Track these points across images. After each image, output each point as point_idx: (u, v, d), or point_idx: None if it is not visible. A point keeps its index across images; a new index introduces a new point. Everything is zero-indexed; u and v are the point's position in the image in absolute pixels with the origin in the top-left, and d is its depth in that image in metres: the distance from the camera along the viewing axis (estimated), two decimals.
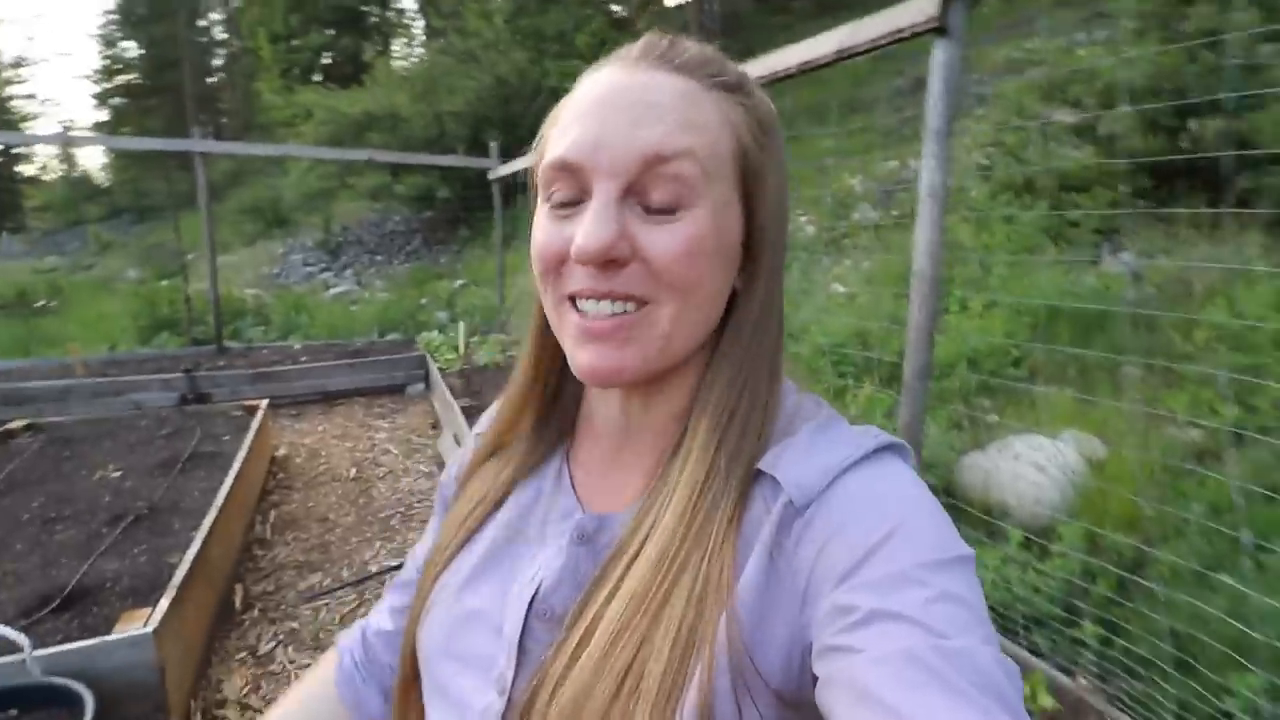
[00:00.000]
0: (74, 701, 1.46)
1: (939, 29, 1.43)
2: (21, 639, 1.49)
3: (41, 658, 1.51)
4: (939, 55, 1.46)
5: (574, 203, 0.42)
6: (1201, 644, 1.58)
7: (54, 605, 1.78)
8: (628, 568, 0.41)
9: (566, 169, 0.42)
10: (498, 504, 0.52)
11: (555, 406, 0.54)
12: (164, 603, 1.71)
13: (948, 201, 1.54)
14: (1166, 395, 2.80)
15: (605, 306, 0.42)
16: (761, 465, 0.43)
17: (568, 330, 0.44)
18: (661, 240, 0.40)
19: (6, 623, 1.59)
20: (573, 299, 0.43)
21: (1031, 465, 2.43)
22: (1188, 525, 1.93)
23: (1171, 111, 4.07)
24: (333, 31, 19.13)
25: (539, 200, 0.45)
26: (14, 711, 1.46)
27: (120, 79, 27.67)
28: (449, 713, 0.47)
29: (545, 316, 0.48)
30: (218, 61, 28.43)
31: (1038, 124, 4.64)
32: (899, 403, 1.66)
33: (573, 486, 0.50)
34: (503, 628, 0.46)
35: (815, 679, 0.35)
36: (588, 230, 0.40)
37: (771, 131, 0.46)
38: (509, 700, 0.43)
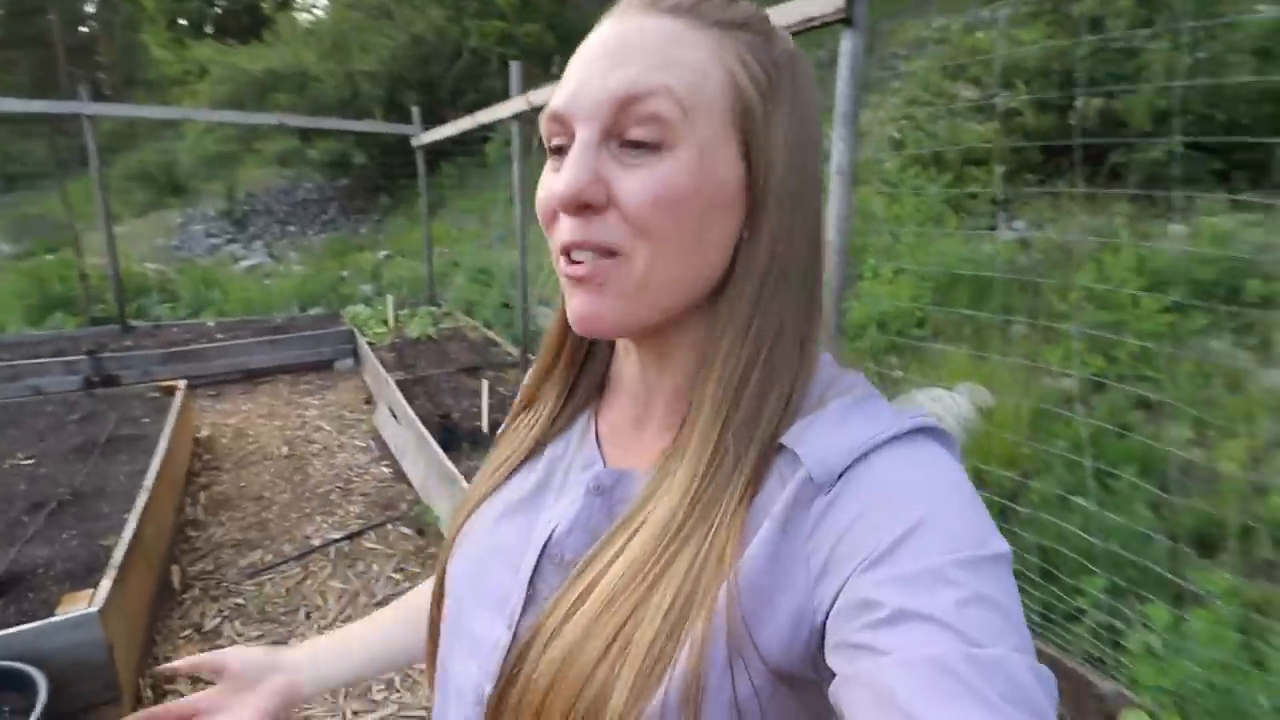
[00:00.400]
0: (24, 684, 1.46)
1: (846, 19, 1.57)
2: None
3: None
4: (846, 44, 1.61)
5: (565, 149, 0.42)
6: (1063, 557, 1.87)
7: None
8: (634, 533, 0.41)
9: (556, 119, 0.42)
10: (530, 454, 0.53)
11: (587, 364, 0.55)
12: (106, 583, 1.71)
13: (855, 178, 1.71)
14: (1046, 350, 3.15)
15: (587, 254, 0.41)
16: (784, 439, 0.41)
17: (562, 281, 0.44)
18: (634, 183, 0.39)
19: None
20: (567, 251, 0.43)
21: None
22: (1054, 459, 2.24)
23: (1061, 91, 4.44)
24: None
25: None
26: None
27: None
28: (465, 644, 0.49)
29: None
30: (90, 9, 25.56)
31: (943, 103, 4.96)
32: None
33: (597, 441, 0.51)
34: (520, 567, 0.47)
35: (830, 671, 0.34)
36: (563, 177, 0.40)
37: (787, 73, 0.43)
38: (514, 636, 0.45)
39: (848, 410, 0.42)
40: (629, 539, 0.41)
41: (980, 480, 2.36)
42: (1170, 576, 1.56)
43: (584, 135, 0.40)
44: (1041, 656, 1.73)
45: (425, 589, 0.65)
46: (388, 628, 0.66)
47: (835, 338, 1.78)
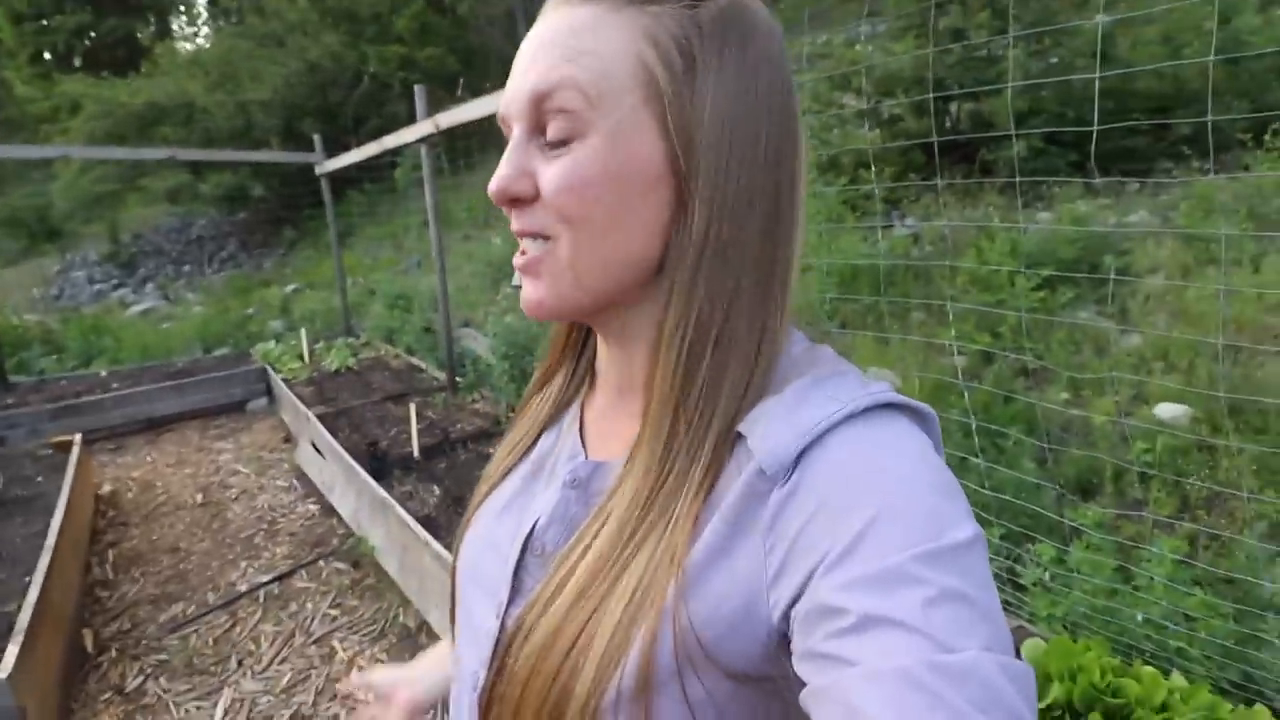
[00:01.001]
0: None
1: None
2: None
3: None
4: None
5: None
6: None
7: None
8: (600, 526, 0.41)
9: (501, 121, 0.44)
10: (532, 444, 0.55)
11: (582, 356, 0.56)
12: (13, 649, 1.59)
13: None
14: (940, 330, 3.44)
15: (528, 243, 0.43)
16: (741, 426, 0.40)
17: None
18: (549, 173, 0.41)
19: None
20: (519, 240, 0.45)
21: None
22: (951, 425, 2.46)
23: (936, 97, 4.87)
24: (92, 10, 16.45)
25: None
26: None
27: None
28: (467, 631, 0.51)
29: None
30: None
31: (831, 112, 5.31)
32: None
33: (581, 432, 0.52)
34: (508, 559, 0.48)
35: (800, 680, 0.33)
36: (496, 173, 0.42)
37: (713, 40, 0.40)
38: (502, 625, 0.46)
39: (805, 390, 0.40)
40: (596, 533, 0.41)
41: None
42: (1052, 516, 1.76)
43: (515, 134, 0.43)
44: None
45: None
46: None
47: None
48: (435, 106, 3.36)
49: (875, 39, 5.94)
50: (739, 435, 0.40)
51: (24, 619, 1.70)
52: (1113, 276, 3.40)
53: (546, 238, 0.42)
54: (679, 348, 0.41)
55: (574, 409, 0.54)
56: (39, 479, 2.83)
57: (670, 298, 0.41)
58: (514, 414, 0.61)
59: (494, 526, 0.52)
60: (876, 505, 0.34)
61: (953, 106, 5.38)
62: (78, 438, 3.26)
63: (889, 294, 3.90)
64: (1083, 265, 3.48)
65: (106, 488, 3.49)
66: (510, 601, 0.47)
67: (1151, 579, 1.50)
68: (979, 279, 3.50)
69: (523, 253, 0.44)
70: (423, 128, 3.31)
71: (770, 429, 0.38)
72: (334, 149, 5.20)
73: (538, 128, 0.42)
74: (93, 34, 16.44)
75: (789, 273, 0.43)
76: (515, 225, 0.44)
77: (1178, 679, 1.21)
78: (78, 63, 15.58)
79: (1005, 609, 1.85)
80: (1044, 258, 3.52)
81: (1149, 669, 1.19)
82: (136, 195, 12.24)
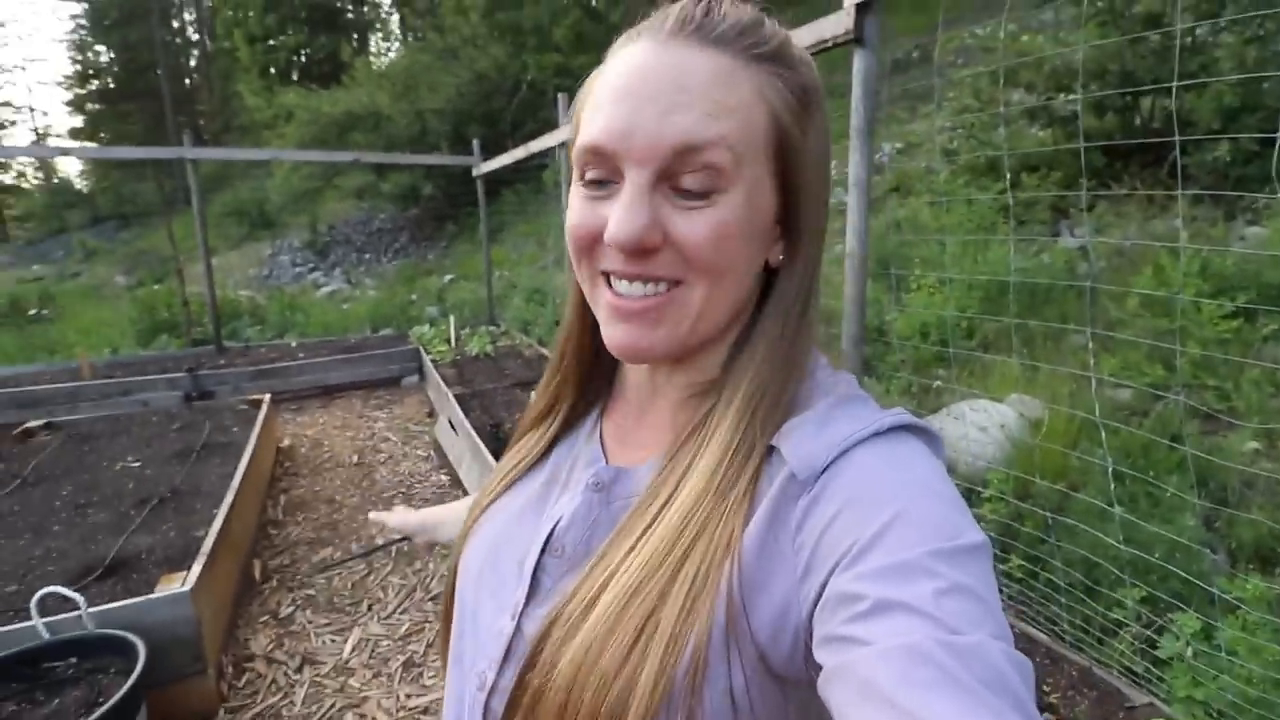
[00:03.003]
0: (126, 650, 1.68)
1: (856, 39, 1.65)
2: (76, 597, 1.71)
3: (94, 614, 1.73)
4: (858, 63, 1.69)
5: (606, 182, 0.43)
6: (1104, 569, 1.83)
7: (97, 574, 2.00)
8: (651, 525, 0.42)
9: (599, 153, 0.42)
10: (542, 456, 0.56)
11: (594, 370, 0.57)
12: (196, 567, 1.93)
13: (871, 191, 1.77)
14: (1103, 358, 3.05)
15: (638, 287, 0.43)
16: (774, 439, 0.43)
17: (602, 305, 0.45)
18: (693, 226, 0.41)
19: None
20: (607, 275, 0.44)
21: (974, 426, 2.68)
22: (1097, 471, 2.19)
23: (1122, 93, 4.31)
24: (309, 31, 19.10)
25: (574, 178, 0.46)
26: (74, 659, 1.68)
27: (94, 84, 27.43)
28: (473, 631, 0.52)
29: (581, 291, 0.49)
30: (192, 63, 28.21)
31: (993, 110, 4.87)
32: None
33: (601, 440, 0.53)
34: (525, 560, 0.49)
35: (818, 666, 0.35)
36: (620, 219, 0.41)
37: (812, 103, 0.44)
38: (517, 626, 0.47)
39: (831, 409, 0.44)
40: (646, 531, 0.42)
41: (1025, 492, 2.33)
42: (1202, 585, 1.52)
43: (638, 179, 0.41)
44: (1074, 667, 1.70)
45: None
46: None
47: (856, 348, 1.83)
48: None
49: (1045, 30, 5.35)
50: (770, 447, 0.43)
51: (208, 544, 2.06)
52: None
53: (675, 283, 0.43)
54: (762, 375, 0.45)
55: (591, 419, 0.56)
56: (235, 429, 3.37)
57: (763, 335, 0.46)
58: (506, 450, 0.62)
59: (508, 530, 0.53)
60: (895, 509, 0.36)
61: (1144, 103, 4.71)
62: (267, 397, 3.84)
63: (1043, 313, 3.52)
64: None
65: (286, 442, 4.08)
66: (528, 603, 0.48)
67: None
68: (1156, 302, 3.06)
69: (621, 294, 0.44)
70: (563, 133, 3.51)
71: (804, 441, 0.42)
72: (493, 152, 5.64)
73: (669, 176, 0.41)
74: (306, 51, 19.11)
75: (818, 303, 0.49)
76: (629, 269, 0.42)
77: None
78: (295, 76, 18.20)
79: (1136, 683, 1.64)
80: (1244, 280, 3.00)
81: None
82: (332, 192, 14.07)
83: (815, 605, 0.37)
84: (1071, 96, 4.49)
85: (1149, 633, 1.63)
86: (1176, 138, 1.39)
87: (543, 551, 0.49)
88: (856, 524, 0.37)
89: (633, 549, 0.42)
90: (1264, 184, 3.76)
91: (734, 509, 0.41)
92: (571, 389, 0.57)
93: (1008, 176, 2.60)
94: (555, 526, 0.49)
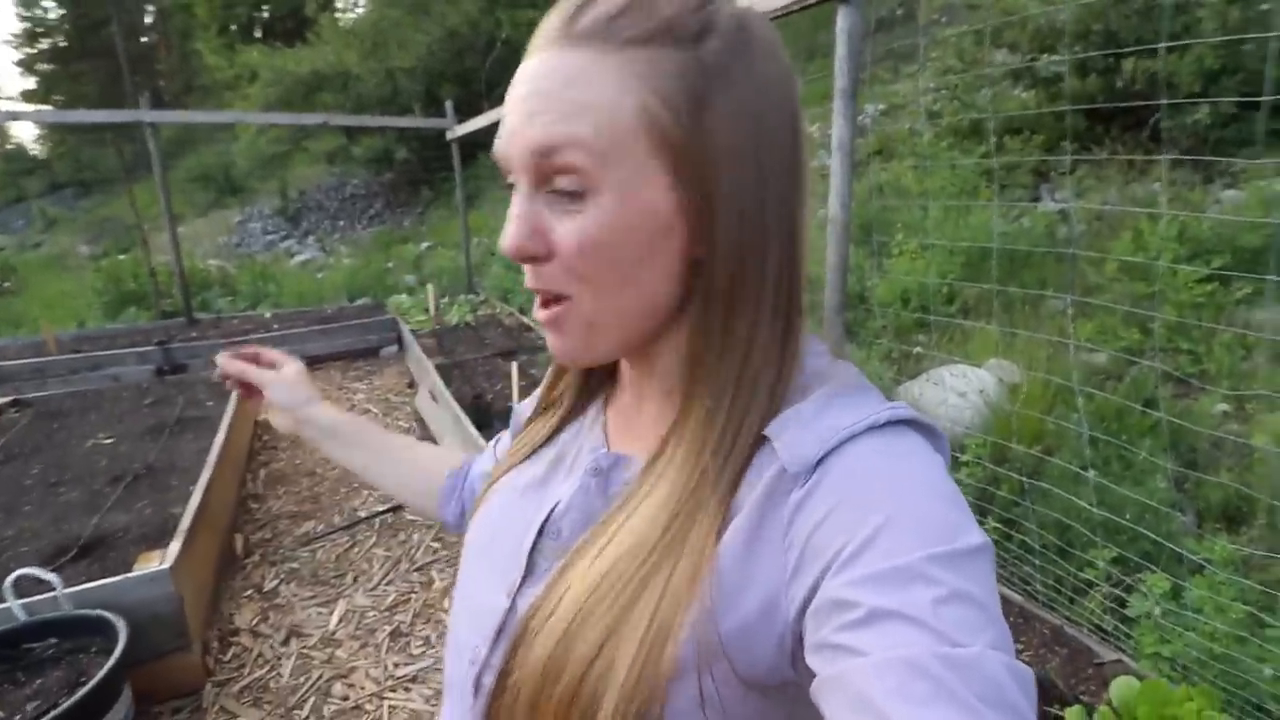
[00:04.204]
0: (106, 630, 1.66)
1: None
2: (52, 578, 1.68)
3: (72, 594, 1.70)
4: (841, 21, 1.63)
5: (515, 188, 0.44)
6: (1076, 531, 1.88)
7: (72, 554, 1.96)
8: (625, 521, 0.42)
9: (498, 159, 0.43)
10: (549, 438, 0.57)
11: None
12: (175, 544, 1.91)
13: (854, 154, 1.74)
14: (1080, 323, 3.09)
15: (544, 299, 0.44)
16: (767, 430, 0.41)
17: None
18: (565, 233, 0.40)
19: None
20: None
21: (953, 391, 2.71)
22: (1071, 434, 2.23)
23: (1103, 53, 4.27)
24: None
25: None
26: (53, 640, 1.66)
27: (44, 43, 26.01)
28: (471, 603, 0.52)
29: None
30: (148, 20, 26.83)
31: (977, 70, 4.82)
32: (821, 336, 1.88)
33: (605, 426, 0.54)
34: (523, 541, 0.49)
35: (809, 671, 0.34)
36: (507, 230, 0.42)
37: (720, 75, 0.40)
38: (512, 604, 0.47)
39: (828, 400, 0.42)
40: (620, 526, 0.42)
41: (1002, 456, 2.37)
42: (1171, 546, 1.56)
43: (521, 187, 0.42)
44: (1045, 626, 1.76)
45: (435, 452, 0.77)
46: (387, 456, 0.75)
47: (838, 315, 1.82)
48: None
49: None
50: (763, 438, 0.42)
51: (186, 521, 2.03)
52: None
53: (565, 298, 0.43)
54: (711, 371, 0.43)
55: (597, 405, 0.56)
56: (209, 403, 3.31)
57: (698, 330, 0.43)
58: (513, 440, 0.63)
59: (511, 508, 0.54)
60: (890, 509, 0.35)
61: (1126, 64, 4.69)
62: None
63: (1022, 277, 3.54)
64: (1270, 255, 2.97)
65: (263, 415, 4.01)
66: (523, 582, 0.48)
67: None
68: (1133, 267, 3.09)
69: (543, 305, 0.44)
70: None
71: (795, 433, 0.40)
72: (469, 114, 5.46)
73: (542, 181, 0.41)
74: (268, 6, 18.23)
75: (802, 286, 0.45)
76: (531, 283, 0.44)
77: None
78: (257, 34, 17.42)
79: (1106, 640, 1.69)
80: (1220, 245, 3.04)
81: None
82: (302, 156, 13.64)
83: (804, 607, 0.36)
84: (1055, 57, 4.45)
85: (1118, 592, 1.69)
86: (1163, 101, 1.37)
87: (540, 533, 0.49)
88: (849, 524, 0.35)
89: (607, 544, 0.42)
90: (1241, 146, 3.78)
91: (710, 512, 0.40)
92: (576, 376, 0.57)
93: (992, 140, 2.57)
94: (554, 509, 0.49)
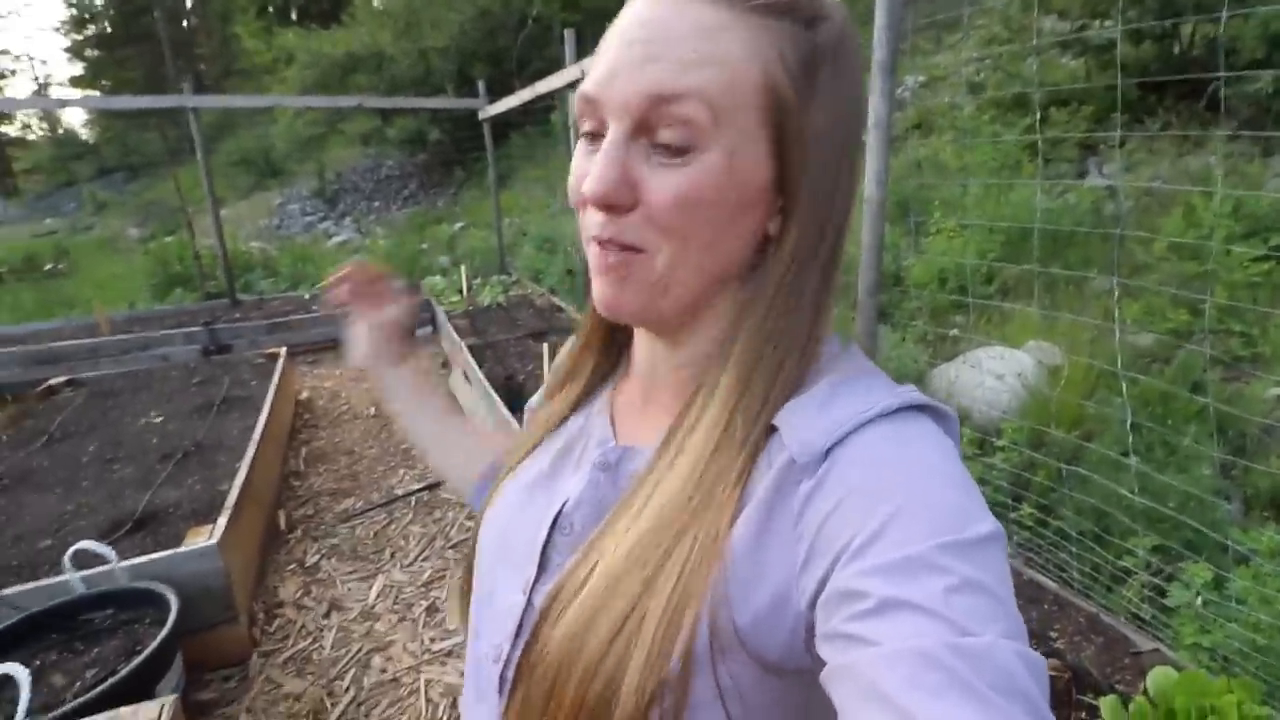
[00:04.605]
0: (158, 602, 1.75)
1: None
2: (109, 552, 1.77)
3: (126, 568, 1.80)
4: None
5: (597, 135, 0.42)
6: (1114, 518, 1.84)
7: (127, 528, 2.07)
8: (637, 513, 0.42)
9: (589, 102, 0.42)
10: (558, 425, 0.56)
11: (614, 343, 0.57)
12: (222, 520, 1.99)
13: (891, 130, 1.69)
14: (1126, 303, 2.98)
15: (613, 249, 0.42)
16: (776, 419, 0.41)
17: (591, 263, 0.45)
18: (661, 186, 0.39)
19: None
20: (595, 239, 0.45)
21: (990, 374, 2.65)
22: (1114, 420, 2.16)
23: (1159, 19, 4.04)
24: None
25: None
26: (110, 611, 1.76)
27: (90, 29, 26.75)
28: (489, 599, 0.52)
29: None
30: (189, 3, 27.33)
31: (1023, 39, 4.61)
32: (853, 318, 1.86)
33: (611, 417, 0.53)
34: (536, 536, 0.49)
35: (820, 659, 0.34)
36: (593, 173, 0.40)
37: (829, 60, 0.41)
38: (529, 601, 0.47)
39: (835, 388, 0.41)
40: (634, 518, 0.41)
41: (1040, 441, 2.31)
42: (1213, 534, 1.51)
43: (614, 132, 0.40)
44: (1081, 613, 1.72)
45: (492, 439, 0.74)
46: (457, 442, 0.73)
47: (871, 297, 1.79)
48: (587, 50, 3.39)
49: None
50: (772, 427, 0.41)
51: (232, 497, 2.12)
52: None
53: (640, 249, 0.41)
54: (750, 351, 0.42)
55: (605, 394, 0.55)
56: (253, 383, 3.42)
57: (751, 307, 0.43)
58: (530, 414, 0.63)
59: (523, 502, 0.53)
60: (901, 498, 0.35)
61: (1184, 30, 4.43)
62: (283, 350, 3.88)
63: (1066, 257, 3.41)
64: None
65: (304, 394, 4.14)
66: (538, 578, 0.48)
67: None
68: (1184, 245, 2.95)
69: (604, 253, 0.42)
70: (570, 73, 3.37)
71: (804, 423, 0.40)
72: (500, 93, 5.45)
73: (645, 129, 0.40)
74: None
75: (839, 279, 0.45)
76: (602, 233, 0.42)
77: None
78: (293, 15, 17.60)
79: (1143, 629, 1.66)
80: (1279, 222, 2.88)
81: None
82: (338, 138, 13.81)
83: (816, 597, 0.36)
84: (1108, 23, 4.23)
85: (1158, 581, 1.64)
86: (1221, 74, 1.30)
87: (552, 528, 0.49)
88: (860, 514, 0.35)
89: (620, 535, 0.42)
90: None
91: (725, 500, 0.39)
92: (591, 357, 0.57)
93: (1038, 113, 2.47)
94: (565, 504, 0.49)
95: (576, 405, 0.56)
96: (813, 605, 0.36)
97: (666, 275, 0.42)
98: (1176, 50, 4.52)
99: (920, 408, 0.40)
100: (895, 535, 0.33)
